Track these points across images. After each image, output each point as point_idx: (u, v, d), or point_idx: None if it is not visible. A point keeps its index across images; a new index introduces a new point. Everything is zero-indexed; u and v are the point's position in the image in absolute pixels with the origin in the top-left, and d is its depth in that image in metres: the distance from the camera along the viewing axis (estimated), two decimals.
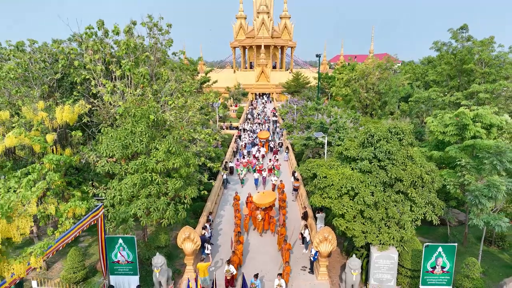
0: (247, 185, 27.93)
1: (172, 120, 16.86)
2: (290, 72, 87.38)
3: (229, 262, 15.32)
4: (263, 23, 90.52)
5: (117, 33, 20.11)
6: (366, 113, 44.23)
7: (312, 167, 16.48)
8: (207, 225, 18.85)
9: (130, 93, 16.68)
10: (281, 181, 25.08)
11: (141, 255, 16.95)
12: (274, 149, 35.27)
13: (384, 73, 42.80)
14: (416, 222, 15.09)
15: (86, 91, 18.01)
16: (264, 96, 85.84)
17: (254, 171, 28.56)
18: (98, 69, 16.70)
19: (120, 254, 14.32)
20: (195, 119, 18.73)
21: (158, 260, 14.73)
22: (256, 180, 27.25)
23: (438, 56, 30.46)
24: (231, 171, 30.17)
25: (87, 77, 16.78)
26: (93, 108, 16.94)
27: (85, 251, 19.15)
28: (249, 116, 55.21)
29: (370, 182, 14.80)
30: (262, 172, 27.62)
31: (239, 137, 40.43)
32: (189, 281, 14.66)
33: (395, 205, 14.97)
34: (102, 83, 16.88)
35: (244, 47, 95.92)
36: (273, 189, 25.49)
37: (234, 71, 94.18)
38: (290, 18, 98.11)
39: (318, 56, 42.96)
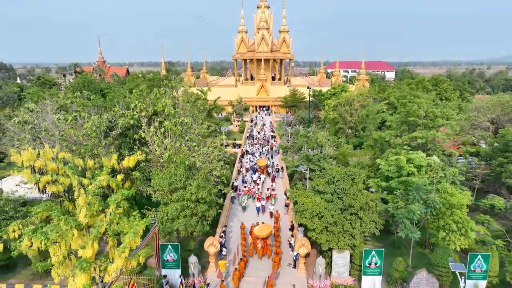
0: (249, 212, 32.88)
1: (199, 164, 24.64)
2: (288, 86, 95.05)
3: None
4: (263, 38, 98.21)
5: (155, 94, 27.99)
6: (351, 133, 51.98)
7: (295, 196, 24.27)
8: (223, 234, 26.54)
9: (172, 145, 24.47)
10: (276, 210, 30.73)
11: None
12: (271, 175, 40.40)
13: (366, 100, 50.60)
14: (364, 234, 22.81)
15: (138, 141, 25.79)
16: (264, 108, 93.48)
17: (254, 198, 33.89)
18: (151, 131, 24.49)
19: (169, 255, 22.03)
20: (214, 161, 26.44)
21: (192, 259, 22.51)
22: (258, 208, 32.19)
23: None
24: (237, 189, 37.58)
25: (143, 135, 24.62)
26: (147, 157, 24.72)
27: None
28: (250, 136, 61.05)
29: (332, 208, 22.50)
30: (261, 200, 32.89)
31: (242, 156, 48.03)
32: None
33: (349, 223, 22.66)
34: (153, 140, 24.70)
35: (245, 60, 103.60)
36: (271, 216, 31.15)
37: (236, 84, 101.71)
38: (289, 32, 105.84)
39: (308, 87, 50.53)
